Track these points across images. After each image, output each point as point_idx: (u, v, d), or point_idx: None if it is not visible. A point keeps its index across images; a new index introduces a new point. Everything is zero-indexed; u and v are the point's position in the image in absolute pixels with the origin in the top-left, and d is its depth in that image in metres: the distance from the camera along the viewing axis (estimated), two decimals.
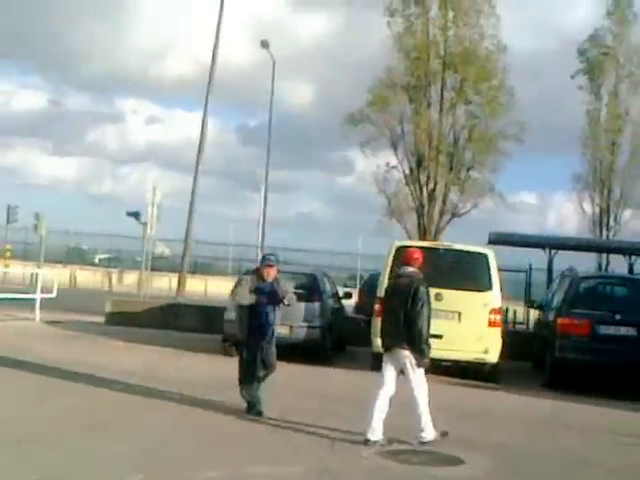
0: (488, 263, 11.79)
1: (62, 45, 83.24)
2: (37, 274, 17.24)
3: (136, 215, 20.48)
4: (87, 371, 9.81)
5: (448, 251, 11.92)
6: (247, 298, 8.19)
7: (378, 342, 11.87)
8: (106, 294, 24.28)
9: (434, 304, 11.87)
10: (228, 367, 8.93)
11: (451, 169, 32.67)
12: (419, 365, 7.05)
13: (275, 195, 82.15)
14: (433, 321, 11.50)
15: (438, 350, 10.99)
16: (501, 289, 13.00)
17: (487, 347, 11.53)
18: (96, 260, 44.56)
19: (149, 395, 8.76)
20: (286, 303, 8.24)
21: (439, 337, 11.09)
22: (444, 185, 32.86)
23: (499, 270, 18.74)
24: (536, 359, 13.49)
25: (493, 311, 11.66)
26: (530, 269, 19.55)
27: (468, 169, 33.02)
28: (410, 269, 7.19)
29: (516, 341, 13.66)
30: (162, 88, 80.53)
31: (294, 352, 11.91)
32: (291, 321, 11.79)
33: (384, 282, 12.11)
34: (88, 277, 35.49)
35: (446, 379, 11.05)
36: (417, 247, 12.83)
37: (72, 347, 12.69)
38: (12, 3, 69.18)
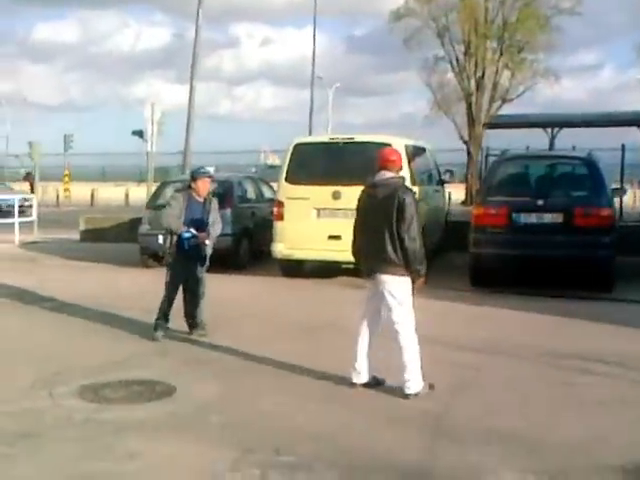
0: None
1: None
2: (20, 198, 17.65)
3: (140, 134, 20.50)
4: None
5: (347, 144, 10.81)
6: (175, 223, 7.19)
7: (278, 247, 11.23)
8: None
9: (332, 203, 11.05)
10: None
11: (501, 54, 30.56)
12: (414, 287, 5.61)
13: (382, 98, 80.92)
14: (330, 221, 10.81)
15: (337, 252, 10.22)
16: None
17: None
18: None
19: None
20: (207, 242, 7.28)
21: (338, 238, 10.38)
22: (494, 72, 30.86)
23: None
24: None
25: None
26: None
27: (519, 51, 30.75)
28: (388, 175, 5.74)
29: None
30: (273, 10, 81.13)
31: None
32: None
33: (282, 185, 11.23)
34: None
35: (355, 282, 8.89)
36: (317, 142, 11.94)
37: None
38: None
